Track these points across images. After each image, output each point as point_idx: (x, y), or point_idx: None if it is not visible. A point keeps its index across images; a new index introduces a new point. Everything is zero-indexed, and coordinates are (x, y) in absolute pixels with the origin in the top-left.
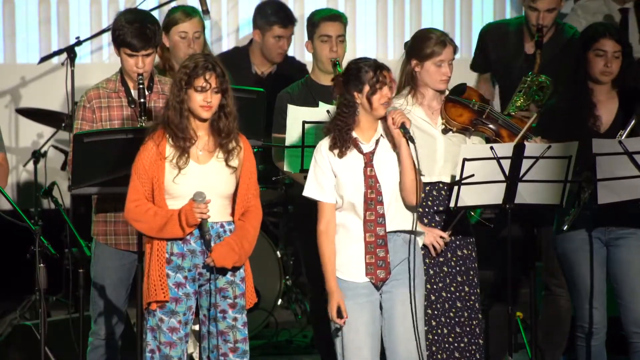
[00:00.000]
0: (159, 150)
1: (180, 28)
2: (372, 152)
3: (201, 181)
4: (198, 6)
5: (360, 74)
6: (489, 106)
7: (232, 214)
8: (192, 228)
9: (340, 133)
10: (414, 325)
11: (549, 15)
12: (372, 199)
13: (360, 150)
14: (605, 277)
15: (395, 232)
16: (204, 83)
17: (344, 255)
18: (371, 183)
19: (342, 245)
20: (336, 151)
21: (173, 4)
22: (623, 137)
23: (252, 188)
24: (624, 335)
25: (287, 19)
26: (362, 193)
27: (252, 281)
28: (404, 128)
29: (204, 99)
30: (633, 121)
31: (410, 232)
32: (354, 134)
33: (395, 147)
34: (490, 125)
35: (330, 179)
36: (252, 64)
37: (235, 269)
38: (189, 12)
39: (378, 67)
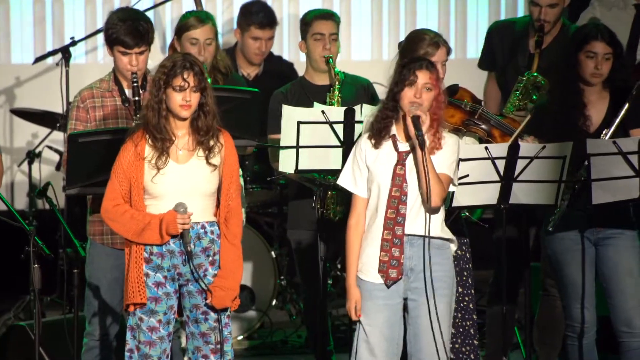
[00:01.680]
0: (138, 151)
1: (192, 34)
2: (407, 152)
3: (181, 180)
4: (193, 7)
5: (399, 69)
6: (481, 106)
7: (215, 213)
8: (169, 237)
9: (378, 123)
10: (432, 329)
11: (552, 10)
12: (396, 198)
13: (396, 148)
14: (594, 277)
15: (419, 236)
16: (182, 82)
17: (365, 256)
18: (398, 182)
19: (365, 245)
20: (373, 141)
21: (168, 5)
22: (609, 134)
23: (233, 186)
24: (615, 334)
25: (265, 21)
26: (387, 190)
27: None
28: (415, 124)
29: (183, 98)
30: (620, 116)
31: (427, 237)
32: (394, 130)
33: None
34: (483, 126)
35: (364, 172)
36: (239, 66)
37: (218, 269)
38: (202, 18)
39: (416, 66)
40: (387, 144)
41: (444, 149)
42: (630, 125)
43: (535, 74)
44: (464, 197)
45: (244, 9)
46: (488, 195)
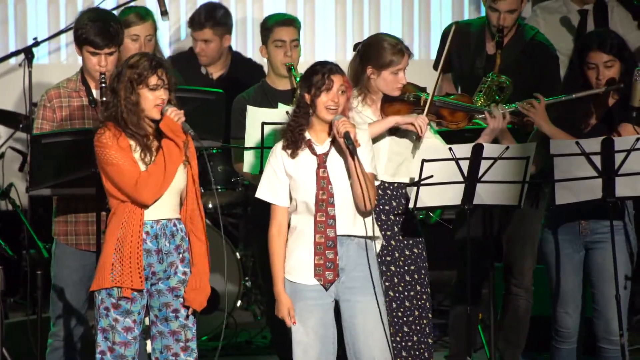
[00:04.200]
0: (123, 143)
1: (133, 31)
2: (326, 154)
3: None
4: (156, 7)
5: (311, 76)
6: (424, 93)
7: (180, 211)
8: (179, 137)
9: (292, 133)
10: (383, 328)
11: (510, 16)
12: (324, 200)
13: (313, 152)
14: (581, 282)
15: (349, 236)
16: (158, 80)
17: (295, 258)
18: (323, 184)
19: (293, 248)
20: (289, 151)
21: (132, 4)
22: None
23: (196, 185)
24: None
25: (197, 24)
26: (314, 194)
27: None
28: (347, 138)
29: (158, 97)
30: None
31: (364, 237)
32: (308, 135)
33: (342, 154)
34: (430, 110)
35: (283, 182)
36: (202, 66)
37: (188, 266)
38: (142, 15)
39: (329, 71)
40: (304, 150)
41: (362, 146)
42: (619, 119)
43: (496, 75)
44: (428, 198)
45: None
46: (452, 195)
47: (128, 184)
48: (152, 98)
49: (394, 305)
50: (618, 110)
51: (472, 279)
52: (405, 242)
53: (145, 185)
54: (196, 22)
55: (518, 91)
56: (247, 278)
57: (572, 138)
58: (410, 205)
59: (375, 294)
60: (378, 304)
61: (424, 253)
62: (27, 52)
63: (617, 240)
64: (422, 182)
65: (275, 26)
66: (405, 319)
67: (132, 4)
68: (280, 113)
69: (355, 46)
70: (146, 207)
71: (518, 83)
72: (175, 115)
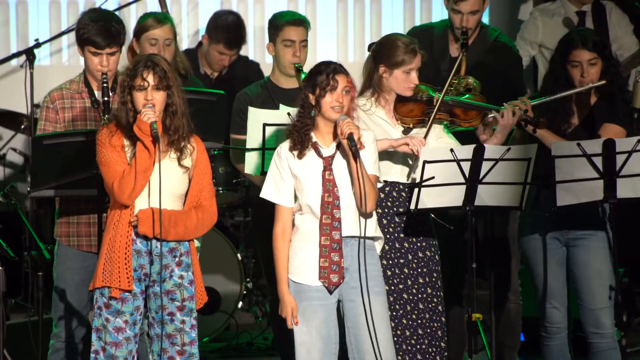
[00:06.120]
0: (116, 141)
1: (151, 35)
2: (332, 157)
3: (152, 179)
4: (158, 8)
5: (315, 76)
6: (437, 92)
7: None
8: (148, 136)
9: (298, 134)
10: (368, 329)
11: (473, 17)
12: (329, 203)
13: (319, 154)
14: (565, 277)
15: (353, 237)
16: (141, 81)
17: (299, 258)
18: (329, 187)
19: (298, 248)
20: (295, 152)
21: (133, 6)
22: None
23: (205, 189)
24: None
25: (234, 42)
26: (320, 196)
27: (202, 282)
28: (350, 139)
29: (145, 97)
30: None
31: (364, 238)
32: (314, 137)
33: (347, 155)
34: (442, 110)
35: (288, 182)
36: (201, 65)
37: (185, 270)
38: (160, 19)
39: (333, 71)
40: (310, 152)
41: (366, 147)
42: (600, 120)
43: (462, 77)
44: (429, 199)
45: (218, 20)
46: (453, 197)
47: (109, 183)
48: (141, 99)
49: (408, 308)
50: (600, 110)
51: (455, 280)
52: (419, 244)
53: (119, 186)
54: (233, 43)
55: (483, 92)
56: (248, 279)
57: (562, 140)
58: (411, 206)
59: (367, 292)
60: (383, 304)
61: (437, 256)
62: (29, 54)
63: (601, 238)
64: (423, 184)
65: (286, 25)
66: (419, 321)
67: (134, 5)
68: (282, 114)
69: (370, 46)
70: (126, 207)
71: (483, 84)
72: (145, 115)
